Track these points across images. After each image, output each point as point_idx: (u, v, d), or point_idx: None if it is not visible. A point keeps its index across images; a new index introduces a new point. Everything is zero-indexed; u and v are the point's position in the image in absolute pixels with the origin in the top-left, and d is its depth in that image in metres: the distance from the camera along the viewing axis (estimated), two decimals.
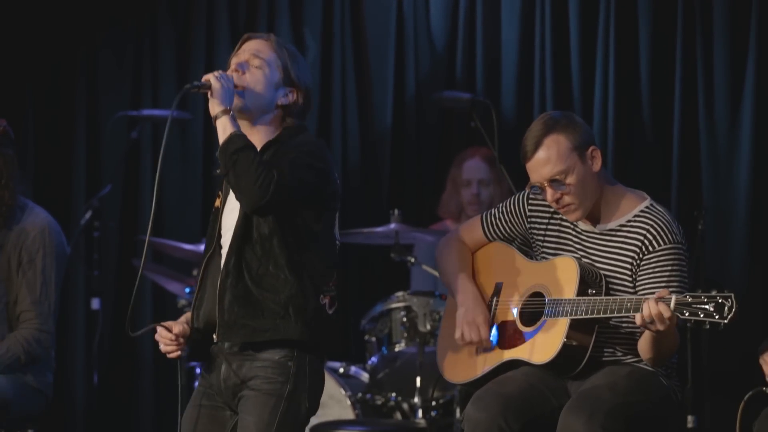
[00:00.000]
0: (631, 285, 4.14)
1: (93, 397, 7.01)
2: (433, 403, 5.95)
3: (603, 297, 4.08)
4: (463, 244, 4.47)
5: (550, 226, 4.30)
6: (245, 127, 3.94)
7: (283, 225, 3.85)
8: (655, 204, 4.22)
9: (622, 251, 4.16)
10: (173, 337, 3.96)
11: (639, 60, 6.53)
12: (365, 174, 7.30)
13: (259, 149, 3.89)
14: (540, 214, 4.32)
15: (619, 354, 4.18)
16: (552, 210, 4.28)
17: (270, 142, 3.94)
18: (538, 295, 4.23)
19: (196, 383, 4.18)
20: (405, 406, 6.03)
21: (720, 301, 3.79)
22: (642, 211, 4.19)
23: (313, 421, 5.86)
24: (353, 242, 6.67)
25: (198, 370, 4.00)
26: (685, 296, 3.85)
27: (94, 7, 7.34)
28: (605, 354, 4.18)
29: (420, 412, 5.88)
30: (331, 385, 6.01)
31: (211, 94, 3.85)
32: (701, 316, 3.81)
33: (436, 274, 6.07)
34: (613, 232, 4.20)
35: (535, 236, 4.34)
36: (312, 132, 7.13)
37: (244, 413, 3.88)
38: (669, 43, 6.47)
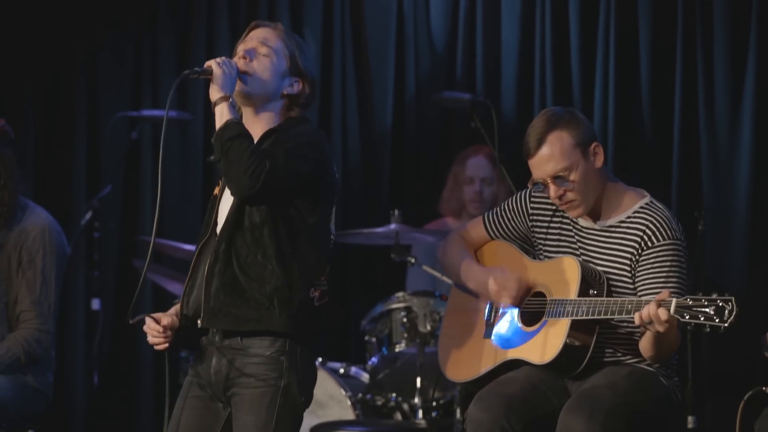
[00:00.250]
0: (630, 281, 4.14)
1: (93, 398, 7.00)
2: (434, 403, 5.95)
3: (604, 298, 4.08)
4: (466, 242, 4.47)
5: (552, 224, 4.31)
6: (249, 113, 3.94)
7: (276, 215, 3.83)
8: (654, 201, 4.23)
9: (621, 247, 4.17)
10: (161, 329, 3.94)
11: (639, 60, 6.52)
12: (365, 174, 7.30)
13: (260, 137, 3.89)
14: (542, 212, 4.33)
15: (620, 354, 4.18)
16: (554, 207, 4.28)
17: (271, 130, 3.92)
18: (539, 295, 4.23)
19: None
20: (405, 406, 6.03)
21: (720, 304, 3.79)
22: (641, 207, 4.20)
23: (314, 421, 5.90)
24: (353, 242, 6.68)
25: (190, 360, 4.00)
26: (686, 299, 3.85)
27: (94, 7, 7.33)
28: (606, 354, 4.18)
29: (420, 413, 5.88)
30: (331, 386, 6.01)
31: (212, 81, 3.84)
32: (701, 319, 3.81)
33: (436, 274, 6.08)
34: (613, 229, 4.20)
35: (536, 234, 4.34)
36: None
37: (240, 412, 3.87)
38: (669, 43, 6.47)
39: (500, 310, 4.31)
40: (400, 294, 6.08)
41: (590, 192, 4.18)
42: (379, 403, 6.07)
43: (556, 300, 4.15)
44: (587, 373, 4.15)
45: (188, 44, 7.40)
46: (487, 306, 4.35)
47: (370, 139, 7.31)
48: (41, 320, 4.91)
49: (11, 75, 7.23)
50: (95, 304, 6.74)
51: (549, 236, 4.31)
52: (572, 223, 4.28)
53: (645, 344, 4.05)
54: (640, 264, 4.13)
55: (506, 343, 4.26)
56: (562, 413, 4.00)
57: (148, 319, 3.94)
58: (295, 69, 3.97)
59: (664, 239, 4.12)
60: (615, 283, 4.16)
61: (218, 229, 3.94)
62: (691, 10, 6.39)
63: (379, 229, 6.12)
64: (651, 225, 4.14)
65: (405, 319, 6.00)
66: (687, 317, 3.83)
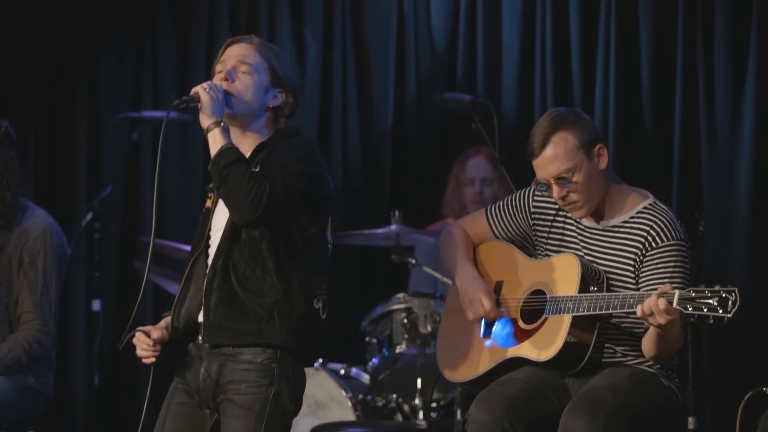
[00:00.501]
0: (633, 281, 4.14)
1: (94, 399, 7.01)
2: (434, 404, 5.96)
3: (605, 293, 4.08)
4: (466, 235, 4.46)
5: (554, 223, 4.31)
6: (237, 133, 3.93)
7: (275, 229, 3.83)
8: (658, 202, 4.23)
9: (625, 248, 4.17)
10: (151, 343, 3.94)
11: (640, 61, 6.52)
12: (366, 175, 7.30)
13: (251, 152, 3.88)
14: (545, 211, 4.32)
15: (620, 355, 4.18)
16: (557, 207, 4.28)
17: (261, 145, 3.92)
18: (539, 292, 4.23)
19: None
20: (406, 407, 6.03)
21: (724, 295, 3.79)
22: (645, 208, 4.20)
23: (315, 422, 5.90)
24: (354, 244, 6.68)
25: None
26: (689, 291, 3.84)
27: (94, 8, 7.33)
28: (606, 354, 4.17)
29: (421, 414, 5.88)
30: (331, 387, 6.01)
31: (201, 108, 3.83)
32: (705, 310, 3.81)
33: (437, 275, 6.08)
34: (616, 229, 4.20)
35: (538, 233, 4.34)
36: (313, 133, 7.24)
37: (230, 418, 3.86)
38: (670, 43, 6.47)
39: (501, 305, 4.31)
40: (400, 295, 6.08)
41: (594, 193, 4.18)
42: (380, 404, 6.07)
43: (556, 297, 4.14)
44: (588, 372, 4.15)
45: (189, 46, 7.40)
46: None
47: (371, 140, 7.31)
48: (42, 321, 4.91)
49: (12, 76, 7.24)
50: (96, 305, 6.75)
51: (552, 235, 4.31)
52: (575, 223, 4.28)
53: (647, 342, 4.05)
54: (644, 264, 4.13)
55: (506, 341, 4.25)
56: (563, 415, 4.00)
57: (138, 333, 3.93)
58: (276, 80, 3.96)
59: (668, 240, 4.12)
60: (618, 283, 4.16)
61: (211, 242, 3.94)
62: (692, 10, 6.39)
63: (380, 230, 6.12)
64: (655, 225, 4.14)
65: (405, 320, 6.00)
66: (690, 309, 3.82)
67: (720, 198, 6.32)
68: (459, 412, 5.78)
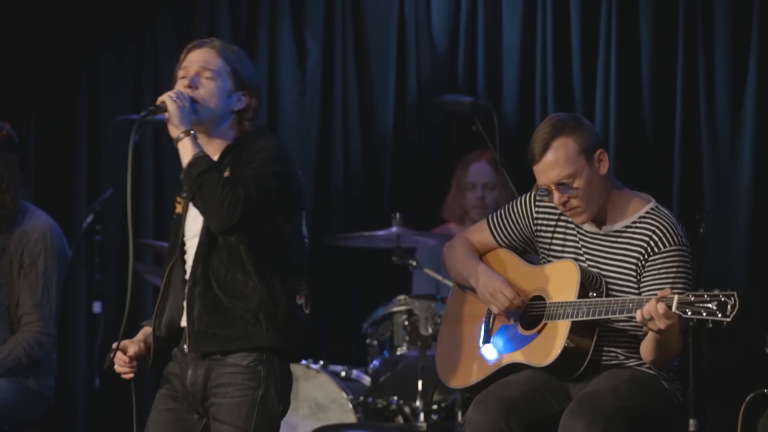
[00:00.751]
0: (635, 287, 4.14)
1: (95, 401, 7.00)
2: (435, 406, 5.95)
3: (604, 298, 4.08)
4: (470, 243, 4.46)
5: (556, 229, 4.30)
6: (202, 138, 3.92)
7: (252, 231, 3.83)
8: (659, 206, 4.22)
9: (626, 253, 4.16)
10: (127, 360, 3.95)
11: (640, 62, 6.52)
12: (367, 177, 7.30)
13: (218, 156, 3.88)
14: (547, 216, 4.32)
15: (621, 358, 4.18)
16: (558, 212, 4.28)
17: (228, 147, 3.92)
18: (538, 298, 4.23)
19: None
20: (407, 409, 6.03)
21: (723, 299, 3.79)
22: (647, 213, 4.19)
23: (315, 424, 5.90)
24: (355, 246, 6.68)
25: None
26: (688, 295, 3.84)
27: (94, 10, 7.33)
28: (606, 358, 4.17)
29: (422, 416, 5.88)
30: (332, 389, 6.01)
31: (168, 118, 3.82)
32: (704, 314, 3.81)
33: (438, 277, 6.08)
34: (618, 234, 4.20)
35: (541, 239, 4.33)
36: (314, 136, 7.24)
37: (219, 421, 3.86)
38: (670, 45, 6.47)
39: (496, 314, 4.31)
40: (401, 297, 6.08)
41: (595, 199, 4.17)
42: (381, 406, 6.07)
43: (555, 303, 4.14)
44: (588, 376, 4.14)
45: None
46: (487, 312, 4.34)
47: (372, 142, 7.31)
48: (43, 323, 4.90)
49: (13, 77, 7.23)
50: (97, 307, 6.74)
51: (554, 241, 4.30)
52: (577, 229, 4.27)
53: (646, 347, 4.05)
54: (646, 270, 4.12)
55: (505, 347, 4.26)
56: (563, 417, 3.99)
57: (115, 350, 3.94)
58: (239, 83, 3.96)
59: (670, 245, 4.11)
60: (620, 288, 4.15)
61: (186, 248, 3.93)
62: (692, 11, 6.39)
63: (381, 232, 6.12)
64: (657, 231, 4.13)
65: (406, 322, 6.00)
66: (689, 313, 3.82)
67: (721, 200, 6.32)
68: (460, 415, 5.77)
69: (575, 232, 4.27)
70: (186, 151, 3.80)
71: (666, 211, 4.20)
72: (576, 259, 4.21)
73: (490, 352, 4.29)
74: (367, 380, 6.17)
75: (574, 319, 4.06)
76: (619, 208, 4.22)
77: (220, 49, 3.97)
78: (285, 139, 7.24)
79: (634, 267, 4.14)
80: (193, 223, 3.92)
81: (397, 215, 6.11)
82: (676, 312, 3.84)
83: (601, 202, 4.19)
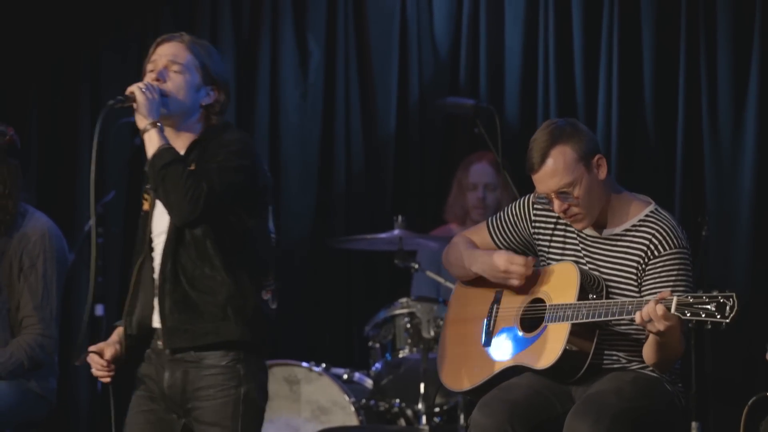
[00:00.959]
0: (635, 289, 4.13)
1: (96, 404, 6.99)
2: (437, 409, 5.95)
3: (604, 300, 4.08)
4: (471, 241, 4.45)
5: (555, 232, 4.30)
6: (170, 132, 3.92)
7: (217, 225, 3.83)
8: (659, 209, 4.22)
9: (627, 256, 4.16)
10: (104, 363, 3.95)
11: (642, 65, 6.52)
12: (369, 180, 7.30)
13: (185, 151, 3.88)
14: (545, 219, 4.32)
15: (624, 361, 4.18)
16: (557, 215, 4.27)
17: (195, 142, 3.92)
18: (538, 301, 4.23)
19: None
20: (409, 412, 6.02)
21: (722, 300, 3.79)
22: (647, 216, 4.19)
23: (318, 427, 5.90)
24: (357, 248, 6.68)
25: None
26: (687, 297, 3.84)
27: (97, 11, 7.33)
28: (609, 361, 4.17)
29: (424, 419, 5.88)
30: (334, 392, 6.01)
31: (137, 108, 3.82)
32: (703, 316, 3.81)
33: (440, 280, 6.08)
34: (618, 238, 4.19)
35: (540, 242, 4.33)
36: (316, 138, 7.24)
37: (204, 424, 3.88)
38: (672, 48, 6.47)
39: (501, 314, 4.31)
40: (403, 300, 6.07)
41: (595, 205, 4.17)
42: (383, 408, 6.07)
43: (555, 305, 4.14)
44: (589, 378, 4.14)
45: None
46: (487, 314, 4.34)
47: (374, 145, 7.31)
48: (44, 325, 4.90)
49: (14, 78, 7.23)
50: (99, 309, 6.73)
51: (552, 244, 4.30)
52: (577, 232, 4.27)
53: (648, 349, 4.05)
54: (646, 273, 4.12)
55: (506, 350, 4.26)
56: (568, 417, 4.00)
57: (91, 353, 3.96)
58: (208, 78, 3.96)
59: (671, 248, 4.11)
60: (620, 291, 4.15)
61: (154, 245, 3.94)
62: (695, 15, 6.39)
63: (383, 235, 6.12)
64: (657, 234, 4.13)
65: (408, 325, 6.00)
66: (688, 314, 3.82)
67: (723, 202, 6.32)
68: (462, 417, 5.78)
69: (575, 236, 4.27)
70: (152, 143, 3.81)
71: (666, 214, 4.20)
72: (577, 263, 4.21)
73: (490, 354, 4.29)
74: (369, 383, 6.17)
75: (574, 321, 4.06)
76: (618, 211, 4.21)
77: (189, 43, 3.96)
78: (287, 141, 7.26)
79: (634, 270, 4.14)
80: (161, 219, 3.92)
81: (399, 218, 6.11)
82: (675, 313, 3.84)
83: (600, 207, 4.19)
